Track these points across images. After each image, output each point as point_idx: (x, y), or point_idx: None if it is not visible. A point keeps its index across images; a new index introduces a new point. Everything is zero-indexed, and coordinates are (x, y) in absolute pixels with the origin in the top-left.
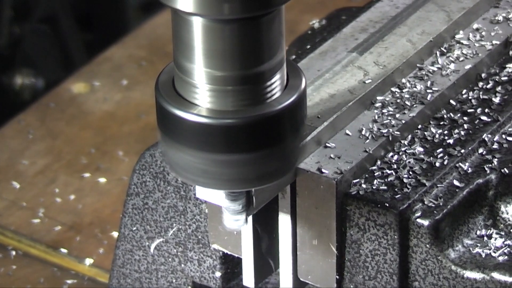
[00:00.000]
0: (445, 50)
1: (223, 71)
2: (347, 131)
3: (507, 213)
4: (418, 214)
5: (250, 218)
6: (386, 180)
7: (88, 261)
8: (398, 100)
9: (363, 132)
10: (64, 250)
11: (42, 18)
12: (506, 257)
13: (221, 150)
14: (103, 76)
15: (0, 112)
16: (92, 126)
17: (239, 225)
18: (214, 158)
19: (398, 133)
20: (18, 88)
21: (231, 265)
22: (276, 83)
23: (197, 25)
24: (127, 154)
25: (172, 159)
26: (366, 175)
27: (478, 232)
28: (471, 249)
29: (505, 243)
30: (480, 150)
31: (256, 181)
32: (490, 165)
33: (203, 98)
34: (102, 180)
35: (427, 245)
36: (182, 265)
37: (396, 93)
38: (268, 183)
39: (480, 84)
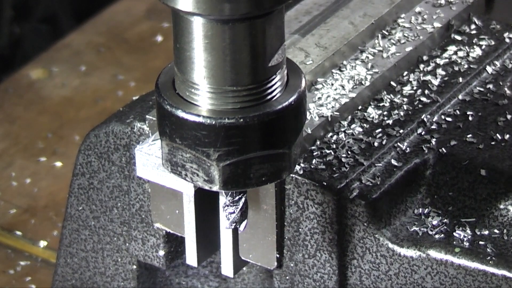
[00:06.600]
0: (386, 33)
1: (223, 71)
2: None
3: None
4: (356, 192)
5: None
6: (324, 159)
7: (42, 243)
8: (339, 82)
9: None
10: (18, 233)
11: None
12: (442, 235)
13: (221, 150)
14: (62, 62)
15: None
16: (49, 111)
17: (242, 226)
18: (214, 158)
19: (338, 113)
20: None
21: (174, 244)
22: (276, 83)
23: (197, 25)
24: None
25: (172, 159)
26: (305, 155)
27: (415, 211)
28: (408, 227)
29: (442, 221)
30: (419, 130)
31: (256, 181)
32: (428, 145)
33: (203, 99)
34: (58, 164)
35: (365, 224)
36: (127, 244)
37: (337, 74)
38: (267, 183)
39: (421, 66)
